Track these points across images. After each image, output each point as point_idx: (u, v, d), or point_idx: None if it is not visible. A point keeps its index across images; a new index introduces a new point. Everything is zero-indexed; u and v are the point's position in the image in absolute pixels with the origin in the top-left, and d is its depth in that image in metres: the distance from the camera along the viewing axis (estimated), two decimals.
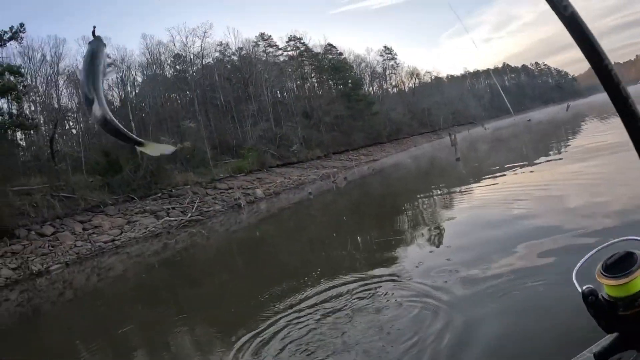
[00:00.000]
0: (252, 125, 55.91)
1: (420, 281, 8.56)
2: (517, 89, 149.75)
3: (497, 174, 20.02)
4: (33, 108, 46.01)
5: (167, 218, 33.02)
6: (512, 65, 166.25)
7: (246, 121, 56.03)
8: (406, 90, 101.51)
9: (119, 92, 55.02)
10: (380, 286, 8.92)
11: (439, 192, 20.97)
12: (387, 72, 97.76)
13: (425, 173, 33.34)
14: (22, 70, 40.89)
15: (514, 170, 19.92)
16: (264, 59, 70.42)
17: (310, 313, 8.41)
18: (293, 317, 8.37)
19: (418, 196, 21.19)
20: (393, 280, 9.09)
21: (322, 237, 18.27)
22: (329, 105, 67.78)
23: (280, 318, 8.36)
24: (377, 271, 10.08)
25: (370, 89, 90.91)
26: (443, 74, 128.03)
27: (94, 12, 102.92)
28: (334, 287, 9.57)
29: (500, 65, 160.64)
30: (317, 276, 10.85)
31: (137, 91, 56.50)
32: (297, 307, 8.84)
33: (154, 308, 13.61)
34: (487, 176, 20.34)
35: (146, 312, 13.34)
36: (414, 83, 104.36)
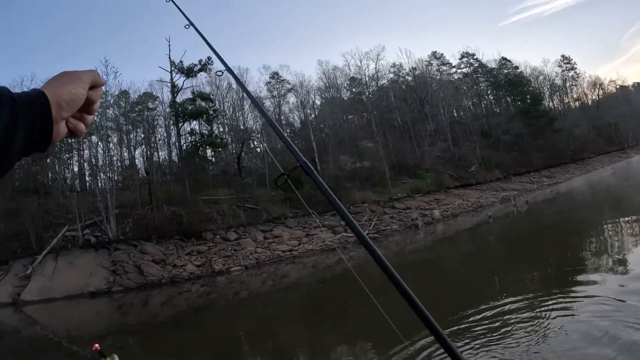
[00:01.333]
0: (430, 145, 54.08)
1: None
2: None
3: None
4: (222, 129, 49.91)
5: (344, 234, 32.60)
6: None
7: (423, 141, 54.42)
8: (589, 103, 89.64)
9: (299, 115, 57.53)
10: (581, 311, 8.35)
11: (633, 220, 18.20)
12: (567, 84, 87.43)
13: (615, 197, 29.60)
14: (212, 96, 44.18)
15: None
16: (438, 77, 68.36)
17: (485, 333, 8.08)
18: (470, 336, 8.10)
19: (608, 223, 19.07)
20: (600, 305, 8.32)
21: (500, 262, 17.30)
22: (508, 124, 62.72)
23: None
24: (572, 296, 9.49)
25: (550, 103, 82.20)
26: (629, 81, 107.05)
27: (274, 44, 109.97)
28: (515, 310, 9.21)
29: None
30: (496, 300, 10.37)
31: (316, 113, 58.45)
32: (475, 325, 8.67)
33: (319, 315, 14.09)
34: None
35: (311, 318, 13.92)
36: (597, 95, 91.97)
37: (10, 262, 28.94)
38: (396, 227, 34.86)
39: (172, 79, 40.12)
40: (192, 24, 3.37)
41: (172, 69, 39.86)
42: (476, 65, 73.10)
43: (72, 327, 20.08)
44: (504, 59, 75.03)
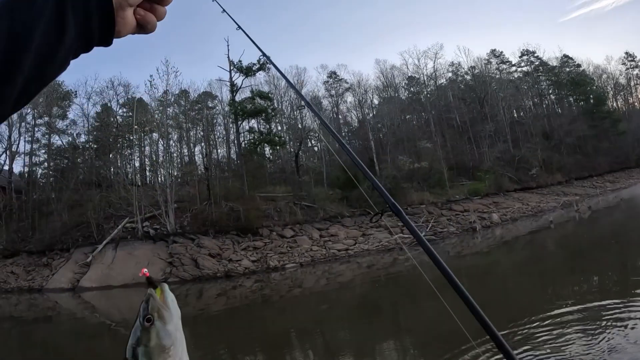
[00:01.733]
0: (489, 146, 52.27)
1: None
2: None
3: None
4: (280, 128, 50.09)
5: (401, 234, 31.86)
6: None
7: (483, 142, 52.61)
8: None
9: (357, 114, 57.14)
10: None
11: None
12: (632, 83, 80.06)
13: None
14: (270, 95, 44.23)
15: None
16: (497, 76, 65.93)
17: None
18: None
19: None
20: None
21: (563, 269, 16.49)
22: (570, 125, 59.14)
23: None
24: None
25: (614, 104, 76.75)
26: None
27: (331, 43, 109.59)
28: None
29: None
30: (558, 307, 9.97)
31: (374, 113, 57.77)
32: (536, 332, 8.31)
33: (373, 315, 13.59)
34: None
35: (364, 318, 13.44)
36: None
37: (71, 250, 30.38)
38: (453, 229, 33.80)
39: (231, 78, 40.50)
40: (253, 40, 3.78)
41: (231, 68, 40.22)
42: (537, 63, 69.66)
43: (128, 314, 20.38)
44: (565, 56, 71.43)
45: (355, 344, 10.86)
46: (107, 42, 0.77)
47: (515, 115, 62.93)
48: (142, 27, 0.81)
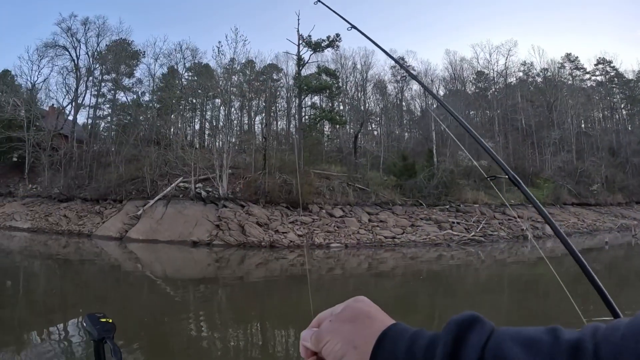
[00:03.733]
0: (552, 154, 49.37)
1: None
2: None
3: None
4: (342, 107, 49.09)
5: (450, 231, 30.73)
6: None
7: (546, 149, 49.81)
8: None
9: (420, 103, 55.57)
10: None
11: None
12: None
13: None
14: (337, 73, 43.40)
15: None
16: (569, 82, 62.01)
17: None
18: None
19: None
20: None
21: (612, 293, 14.89)
22: None
23: None
24: None
25: None
26: None
27: (403, 30, 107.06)
28: None
29: None
30: None
31: (438, 104, 55.43)
32: None
33: (410, 309, 13.26)
34: None
35: (399, 310, 12.75)
36: None
37: (124, 201, 31.02)
38: (504, 234, 32.11)
39: (299, 52, 39.78)
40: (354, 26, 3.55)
41: (300, 42, 39.45)
42: (612, 74, 64.55)
43: (169, 269, 20.37)
44: None
45: None
46: None
47: (583, 125, 59.05)
48: None
